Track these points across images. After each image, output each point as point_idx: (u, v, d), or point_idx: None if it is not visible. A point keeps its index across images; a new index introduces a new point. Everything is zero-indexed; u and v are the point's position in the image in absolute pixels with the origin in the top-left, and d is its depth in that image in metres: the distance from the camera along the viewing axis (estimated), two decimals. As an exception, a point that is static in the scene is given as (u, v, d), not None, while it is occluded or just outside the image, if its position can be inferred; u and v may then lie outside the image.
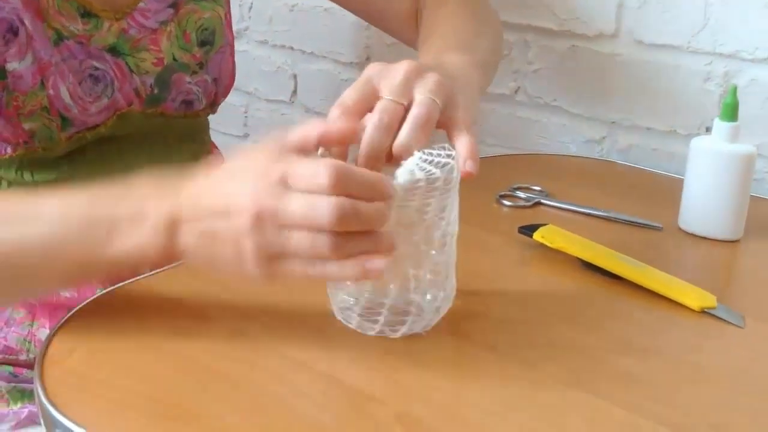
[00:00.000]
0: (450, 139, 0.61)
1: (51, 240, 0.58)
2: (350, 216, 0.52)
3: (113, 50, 0.77)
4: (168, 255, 0.57)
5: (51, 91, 0.74)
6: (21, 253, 0.58)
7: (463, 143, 0.60)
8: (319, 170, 0.52)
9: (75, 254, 0.58)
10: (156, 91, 0.80)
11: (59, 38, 0.74)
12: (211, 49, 0.84)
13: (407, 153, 0.57)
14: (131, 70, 0.78)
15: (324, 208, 0.52)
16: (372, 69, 0.61)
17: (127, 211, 0.57)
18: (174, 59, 0.81)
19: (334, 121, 0.58)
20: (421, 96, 0.59)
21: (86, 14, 0.75)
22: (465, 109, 0.62)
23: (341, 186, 0.52)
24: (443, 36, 0.79)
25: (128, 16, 0.78)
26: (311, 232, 0.52)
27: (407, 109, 0.59)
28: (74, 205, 0.58)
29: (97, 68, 0.76)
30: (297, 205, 0.52)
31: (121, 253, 0.57)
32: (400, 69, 0.60)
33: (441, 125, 0.61)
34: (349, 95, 0.59)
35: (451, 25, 0.81)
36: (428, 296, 0.60)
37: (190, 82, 0.82)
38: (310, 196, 0.52)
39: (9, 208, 0.61)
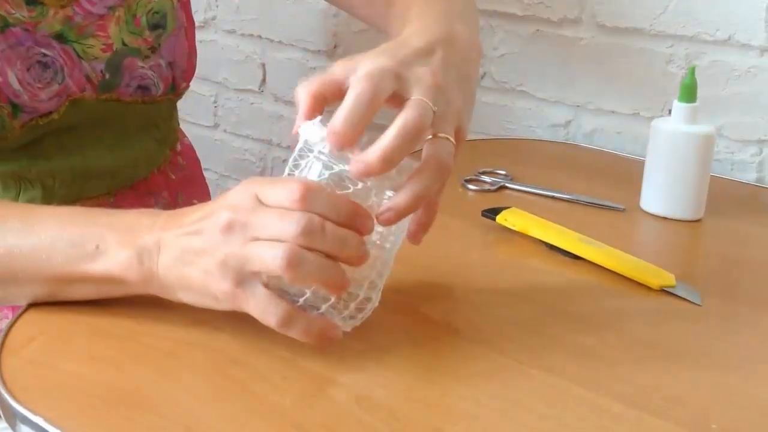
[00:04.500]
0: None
1: (40, 246, 0.59)
2: (317, 231, 0.52)
3: (59, 37, 0.76)
4: (146, 279, 0.58)
5: None
6: (10, 256, 0.60)
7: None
8: (287, 184, 0.53)
9: (60, 263, 0.59)
10: (108, 76, 0.79)
11: (5, 25, 0.73)
12: (164, 33, 0.83)
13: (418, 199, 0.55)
14: (79, 57, 0.78)
15: (292, 219, 0.52)
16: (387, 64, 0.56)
17: (117, 234, 0.58)
18: (123, 44, 0.80)
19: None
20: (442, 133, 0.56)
21: (31, 1, 0.75)
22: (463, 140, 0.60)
23: (310, 200, 0.52)
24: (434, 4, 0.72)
25: (74, 2, 0.77)
26: (272, 242, 0.52)
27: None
28: (70, 220, 0.60)
29: (45, 55, 0.76)
30: (265, 214, 0.53)
31: (104, 270, 0.58)
32: (428, 74, 0.56)
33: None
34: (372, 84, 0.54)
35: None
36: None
37: (143, 67, 0.82)
38: (281, 210, 0.53)
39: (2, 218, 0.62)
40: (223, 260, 0.54)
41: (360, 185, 0.55)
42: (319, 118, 0.55)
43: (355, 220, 0.54)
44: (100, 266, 0.58)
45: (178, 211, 0.59)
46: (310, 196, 0.52)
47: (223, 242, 0.54)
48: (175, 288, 0.57)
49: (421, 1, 0.73)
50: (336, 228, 0.53)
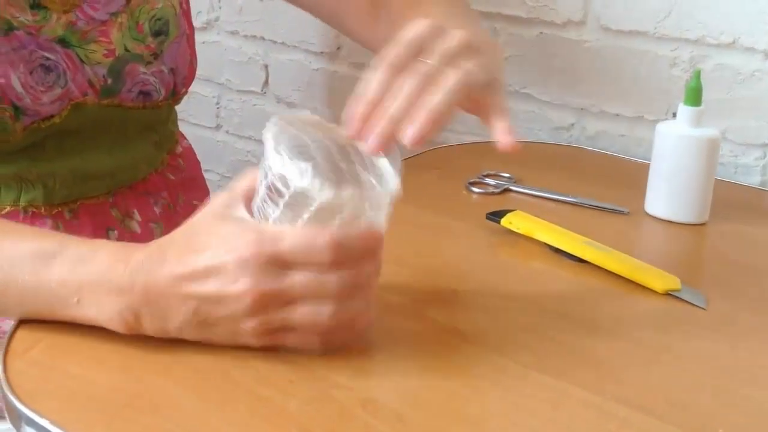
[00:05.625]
0: (486, 121, 0.59)
1: (26, 291, 0.58)
2: (356, 287, 0.54)
3: (62, 41, 0.76)
4: (138, 330, 0.56)
5: (2, 80, 0.73)
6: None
7: (500, 123, 0.57)
8: (315, 246, 0.52)
9: (47, 310, 0.58)
10: (110, 81, 0.79)
11: (9, 28, 0.73)
12: (166, 39, 0.83)
13: (436, 118, 0.54)
14: (82, 61, 0.77)
15: (331, 284, 0.53)
16: (423, 27, 0.57)
17: (90, 283, 0.56)
18: (126, 50, 0.80)
19: (378, 79, 0.55)
20: (469, 66, 0.56)
21: (35, 5, 0.75)
22: (504, 94, 0.60)
23: (341, 261, 0.52)
24: (438, 15, 0.74)
25: (77, 8, 0.77)
26: (312, 305, 0.53)
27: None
28: (48, 261, 0.58)
29: (48, 58, 0.75)
30: (301, 284, 0.53)
31: (92, 320, 0.57)
32: (456, 36, 0.57)
33: (475, 108, 0.59)
34: (396, 53, 0.56)
35: (440, 8, 0.76)
36: None
37: (145, 73, 0.82)
38: (311, 274, 0.53)
39: None
40: (256, 327, 0.54)
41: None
42: (287, 155, 0.54)
43: (377, 251, 0.55)
44: (87, 316, 0.57)
45: (155, 251, 0.56)
46: (340, 256, 0.52)
47: (257, 312, 0.53)
48: (188, 338, 0.57)
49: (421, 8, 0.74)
50: (369, 270, 0.54)
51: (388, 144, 0.55)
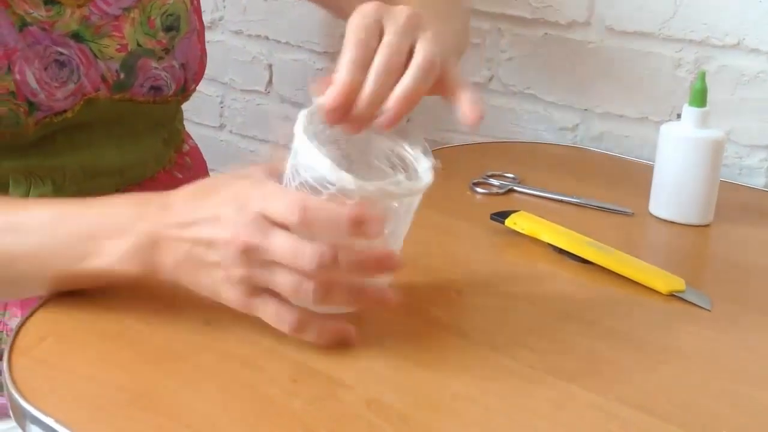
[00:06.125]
0: (447, 93, 0.59)
1: (39, 251, 0.60)
2: (331, 265, 0.53)
3: (76, 36, 0.77)
4: (148, 272, 0.58)
5: (17, 76, 0.73)
6: (10, 261, 0.61)
7: (465, 94, 0.58)
8: (292, 208, 0.52)
9: (61, 265, 0.60)
10: (122, 76, 0.80)
11: (23, 24, 0.74)
12: (177, 35, 0.83)
13: (410, 97, 0.56)
14: (95, 56, 0.78)
15: (307, 255, 0.52)
16: (372, 9, 0.58)
17: (109, 230, 0.59)
18: (138, 45, 0.80)
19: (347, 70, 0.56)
20: (424, 43, 0.57)
21: (49, 1, 0.75)
22: (457, 69, 0.61)
23: (308, 225, 0.52)
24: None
25: (90, 2, 0.77)
26: (297, 275, 0.54)
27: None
28: (62, 219, 0.61)
29: (62, 54, 0.76)
30: (279, 245, 0.53)
31: (105, 267, 0.59)
32: (404, 10, 0.58)
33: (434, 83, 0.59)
34: (355, 39, 0.56)
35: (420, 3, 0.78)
36: None
37: (156, 68, 0.82)
38: (292, 237, 0.53)
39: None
40: (241, 278, 0.55)
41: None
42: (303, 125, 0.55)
43: (361, 228, 0.53)
44: (102, 263, 0.59)
45: (165, 199, 0.59)
46: (309, 219, 0.52)
47: (242, 263, 0.54)
48: (183, 284, 0.58)
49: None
50: (349, 254, 0.53)
51: (369, 122, 0.56)
